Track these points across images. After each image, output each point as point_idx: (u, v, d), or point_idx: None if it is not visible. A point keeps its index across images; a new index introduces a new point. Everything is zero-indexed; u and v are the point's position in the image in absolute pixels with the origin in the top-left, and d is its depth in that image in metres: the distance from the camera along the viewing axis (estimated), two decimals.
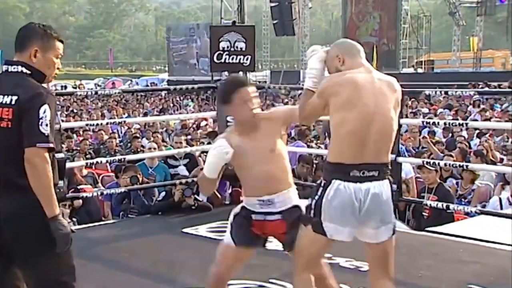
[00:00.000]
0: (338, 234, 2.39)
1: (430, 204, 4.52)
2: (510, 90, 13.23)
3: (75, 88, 28.91)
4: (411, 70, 28.66)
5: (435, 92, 5.37)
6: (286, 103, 15.31)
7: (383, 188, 2.39)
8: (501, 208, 4.94)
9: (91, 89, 26.25)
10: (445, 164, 5.09)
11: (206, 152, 6.37)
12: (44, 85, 2.30)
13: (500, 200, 5.10)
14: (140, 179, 5.30)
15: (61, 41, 2.35)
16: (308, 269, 2.52)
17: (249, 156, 2.60)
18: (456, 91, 4.94)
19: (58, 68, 2.35)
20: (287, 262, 2.92)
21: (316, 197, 2.40)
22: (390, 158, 2.48)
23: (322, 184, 2.41)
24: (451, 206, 4.38)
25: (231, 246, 2.68)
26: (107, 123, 9.11)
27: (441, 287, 3.43)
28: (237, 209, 2.74)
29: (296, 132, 8.00)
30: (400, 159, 4.57)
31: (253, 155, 2.60)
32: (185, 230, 4.60)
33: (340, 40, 2.66)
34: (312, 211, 2.41)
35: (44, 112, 2.15)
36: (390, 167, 2.46)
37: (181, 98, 21.50)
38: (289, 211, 2.64)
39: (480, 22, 28.51)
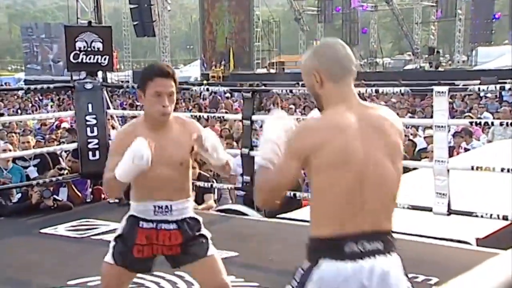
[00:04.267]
0: None
1: None
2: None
3: None
4: (265, 70, 30.45)
5: (281, 90, 5.89)
6: None
7: (391, 265, 1.73)
8: None
9: None
10: None
11: (67, 150, 6.32)
12: None
13: None
14: None
15: None
16: None
17: (153, 156, 2.16)
18: (299, 90, 5.47)
19: None
20: None
21: (295, 286, 1.77)
22: (392, 225, 1.81)
23: (305, 268, 1.77)
24: (298, 193, 4.61)
25: (112, 265, 2.35)
26: None
27: (289, 268, 3.71)
28: (123, 221, 2.40)
29: None
30: (253, 152, 4.77)
31: (159, 155, 2.19)
32: (43, 230, 4.50)
33: (321, 47, 1.84)
34: None
35: None
36: (393, 237, 1.80)
37: (41, 98, 20.63)
38: (186, 222, 2.36)
39: (321, 28, 31.56)
